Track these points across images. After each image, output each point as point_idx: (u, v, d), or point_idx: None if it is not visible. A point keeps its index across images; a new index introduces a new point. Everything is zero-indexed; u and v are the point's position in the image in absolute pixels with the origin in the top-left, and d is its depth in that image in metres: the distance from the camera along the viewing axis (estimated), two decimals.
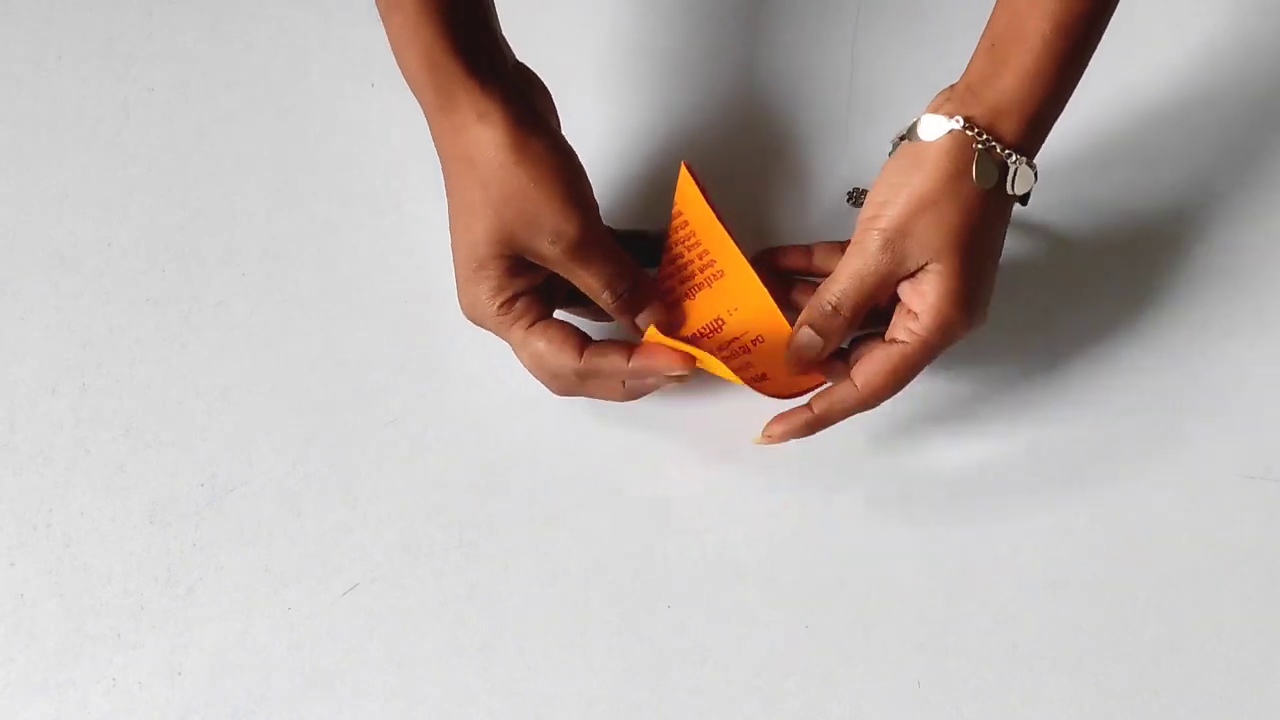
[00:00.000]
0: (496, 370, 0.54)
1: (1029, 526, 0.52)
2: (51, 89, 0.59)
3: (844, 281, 0.46)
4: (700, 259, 0.50)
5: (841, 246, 0.50)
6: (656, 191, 0.57)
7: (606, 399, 0.49)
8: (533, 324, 0.47)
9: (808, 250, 0.52)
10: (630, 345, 0.48)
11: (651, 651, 0.50)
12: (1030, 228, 0.57)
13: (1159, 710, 0.49)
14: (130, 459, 0.53)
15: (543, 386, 0.49)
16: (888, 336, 0.47)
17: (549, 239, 0.45)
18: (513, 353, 0.48)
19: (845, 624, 0.50)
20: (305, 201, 0.57)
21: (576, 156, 0.47)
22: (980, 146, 0.45)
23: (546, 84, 0.49)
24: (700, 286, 0.50)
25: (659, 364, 0.47)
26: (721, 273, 0.50)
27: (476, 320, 0.48)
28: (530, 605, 0.51)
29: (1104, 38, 0.46)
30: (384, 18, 0.45)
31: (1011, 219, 0.48)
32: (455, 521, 0.52)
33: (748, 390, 0.51)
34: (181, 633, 0.50)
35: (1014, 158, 0.45)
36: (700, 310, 0.50)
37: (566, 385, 0.48)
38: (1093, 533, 0.52)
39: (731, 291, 0.50)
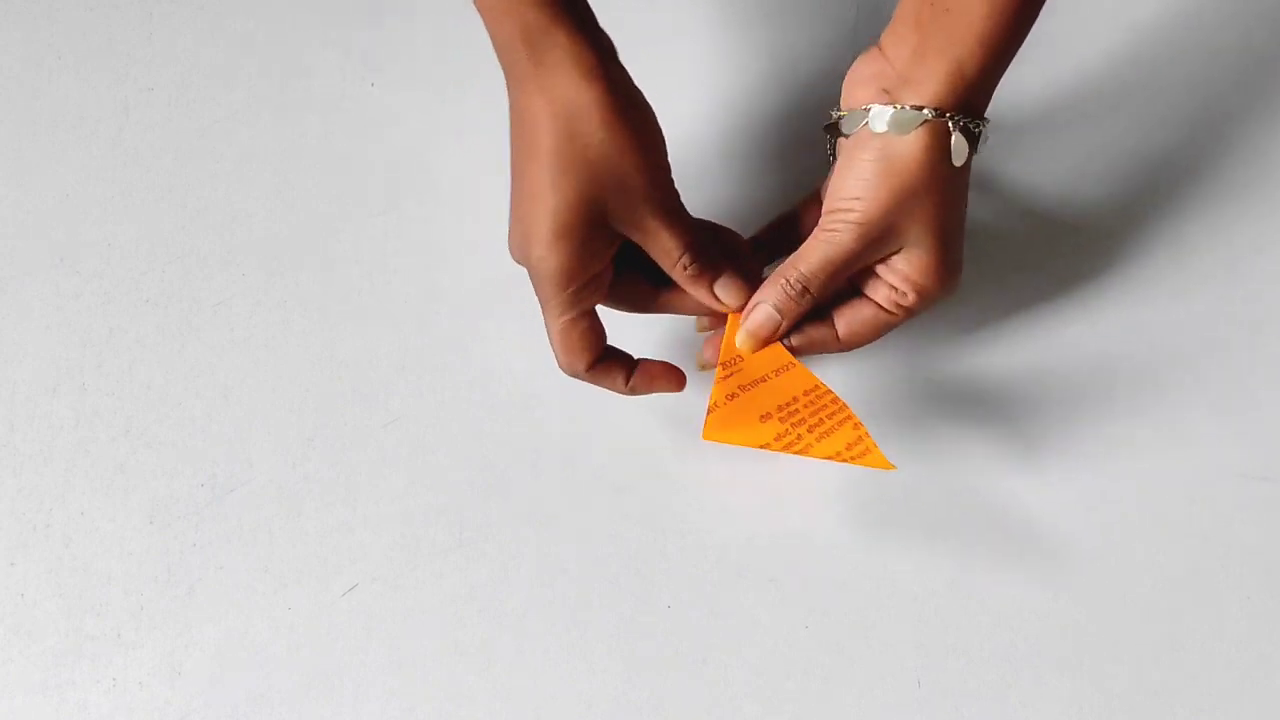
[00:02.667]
0: (496, 370, 0.54)
1: (1029, 527, 0.52)
2: (51, 89, 0.59)
3: (814, 264, 0.47)
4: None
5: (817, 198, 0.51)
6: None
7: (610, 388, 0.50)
8: (576, 318, 0.46)
9: (793, 214, 0.52)
10: (629, 364, 0.48)
11: (651, 651, 0.50)
12: (1044, 240, 0.57)
13: (1159, 710, 0.49)
14: (130, 459, 0.53)
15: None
16: (870, 295, 0.48)
17: (638, 201, 0.45)
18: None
19: (845, 624, 0.50)
20: (305, 201, 0.57)
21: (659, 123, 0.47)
22: (955, 132, 0.45)
23: None
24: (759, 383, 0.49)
25: (653, 385, 0.49)
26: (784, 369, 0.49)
27: (533, 276, 0.46)
28: (530, 605, 0.51)
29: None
30: None
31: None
32: (455, 521, 0.52)
33: None
34: (181, 633, 0.50)
35: (979, 127, 0.46)
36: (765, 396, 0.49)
37: (571, 373, 0.49)
38: (1093, 533, 0.52)
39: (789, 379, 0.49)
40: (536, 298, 0.47)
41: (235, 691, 0.49)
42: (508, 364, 0.54)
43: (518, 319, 0.53)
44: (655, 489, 0.52)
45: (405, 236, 0.56)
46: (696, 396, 0.52)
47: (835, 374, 0.54)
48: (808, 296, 0.47)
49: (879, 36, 0.48)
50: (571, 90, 0.43)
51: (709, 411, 0.47)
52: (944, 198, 0.46)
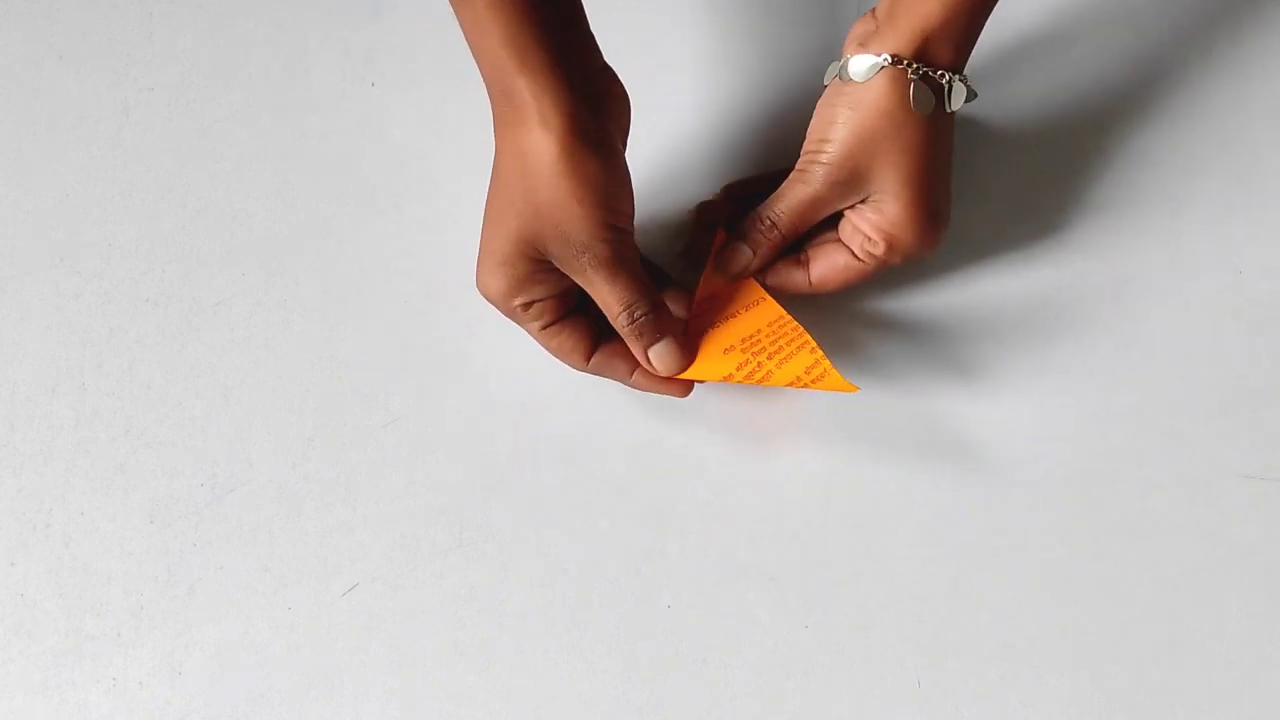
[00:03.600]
0: (497, 370, 0.54)
1: (1029, 526, 0.52)
2: (51, 89, 0.59)
3: (785, 202, 0.50)
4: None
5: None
6: (655, 191, 0.57)
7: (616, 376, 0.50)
8: (547, 326, 0.48)
9: (774, 175, 0.53)
10: (629, 363, 0.49)
11: (651, 651, 0.50)
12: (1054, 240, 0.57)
13: (1159, 710, 0.49)
14: (130, 459, 0.53)
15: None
16: (843, 240, 0.50)
17: (576, 251, 0.45)
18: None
19: (845, 624, 0.50)
20: (305, 201, 0.57)
21: (628, 177, 0.47)
22: (914, 78, 0.47)
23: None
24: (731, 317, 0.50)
25: (657, 387, 0.50)
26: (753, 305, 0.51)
27: (492, 303, 0.48)
28: (530, 605, 0.51)
29: None
30: (460, 5, 0.44)
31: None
32: (455, 521, 0.52)
33: (750, 391, 0.51)
34: (181, 633, 0.50)
35: (947, 77, 0.48)
36: (729, 331, 0.50)
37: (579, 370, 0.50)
38: (1093, 532, 0.52)
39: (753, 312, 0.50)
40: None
41: (235, 691, 0.49)
42: (508, 364, 0.54)
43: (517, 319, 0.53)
44: (655, 489, 0.52)
45: (405, 236, 0.56)
46: (697, 398, 0.53)
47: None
48: (775, 232, 0.50)
49: None
50: (529, 137, 0.44)
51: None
52: (913, 146, 0.48)
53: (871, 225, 0.49)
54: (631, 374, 0.49)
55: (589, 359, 0.49)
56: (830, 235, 0.51)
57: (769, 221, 0.50)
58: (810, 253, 0.52)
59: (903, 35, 0.47)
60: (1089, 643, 0.50)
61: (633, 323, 0.47)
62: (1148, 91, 0.59)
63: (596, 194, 0.45)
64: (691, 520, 0.52)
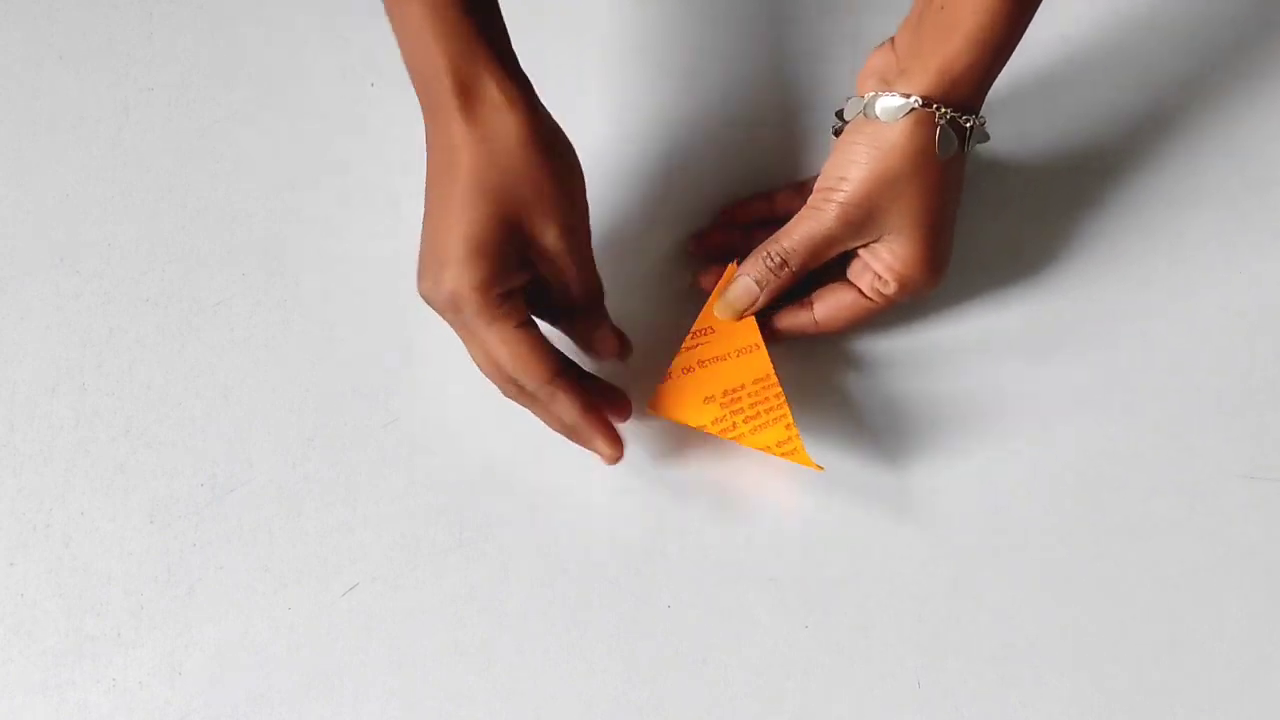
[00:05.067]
0: None
1: (1029, 526, 0.52)
2: (51, 89, 0.59)
3: (795, 240, 0.48)
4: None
5: (801, 190, 0.52)
6: (651, 191, 0.56)
7: (540, 419, 0.48)
8: (519, 325, 0.45)
9: (769, 197, 0.54)
10: (585, 394, 0.47)
11: (651, 651, 0.50)
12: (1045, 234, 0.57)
13: (1159, 710, 0.49)
14: (130, 459, 0.53)
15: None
16: (853, 279, 0.50)
17: (558, 230, 0.45)
18: (464, 343, 0.47)
19: (845, 624, 0.50)
20: (305, 201, 0.57)
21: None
22: (942, 122, 0.46)
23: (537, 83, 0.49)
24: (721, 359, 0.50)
25: (594, 441, 0.48)
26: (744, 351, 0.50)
27: (448, 305, 0.45)
28: (530, 605, 0.51)
29: None
30: (394, 6, 0.44)
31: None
32: (455, 521, 0.52)
33: None
34: (181, 633, 0.50)
35: (970, 121, 0.47)
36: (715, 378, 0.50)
37: (516, 393, 0.47)
38: (1093, 533, 0.52)
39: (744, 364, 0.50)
40: (464, 334, 0.46)
41: (235, 691, 0.49)
42: None
43: None
44: (655, 489, 0.52)
45: (405, 236, 0.56)
46: None
47: (820, 365, 0.54)
48: (786, 270, 0.49)
49: (880, 37, 0.49)
50: (495, 120, 0.44)
51: (663, 380, 0.49)
52: (929, 188, 0.47)
53: (884, 265, 0.48)
54: (578, 414, 0.47)
55: (550, 377, 0.45)
56: (835, 274, 0.51)
57: (778, 259, 0.49)
58: (815, 293, 0.51)
59: (930, 76, 0.46)
60: (1089, 643, 0.50)
61: (590, 306, 0.48)
62: (1149, 96, 0.59)
63: (570, 173, 0.45)
64: (691, 520, 0.52)
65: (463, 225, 0.44)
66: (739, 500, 0.52)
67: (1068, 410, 0.53)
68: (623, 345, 0.50)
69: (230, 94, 0.59)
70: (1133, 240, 0.56)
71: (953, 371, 0.54)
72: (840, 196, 0.47)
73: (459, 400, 0.53)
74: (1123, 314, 0.55)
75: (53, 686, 0.49)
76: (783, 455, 0.48)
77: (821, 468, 0.48)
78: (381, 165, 0.57)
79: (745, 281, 0.50)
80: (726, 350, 0.50)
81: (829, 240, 0.48)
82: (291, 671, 0.50)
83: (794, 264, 0.49)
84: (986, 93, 0.48)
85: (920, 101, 0.46)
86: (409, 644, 0.50)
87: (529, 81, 0.46)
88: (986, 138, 0.49)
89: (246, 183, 0.57)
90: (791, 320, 0.51)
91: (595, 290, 0.48)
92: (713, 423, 0.48)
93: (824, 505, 0.52)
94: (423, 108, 0.46)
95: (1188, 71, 0.59)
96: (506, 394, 0.47)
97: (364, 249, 0.56)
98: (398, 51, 0.60)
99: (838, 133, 0.51)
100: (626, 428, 0.52)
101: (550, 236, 0.45)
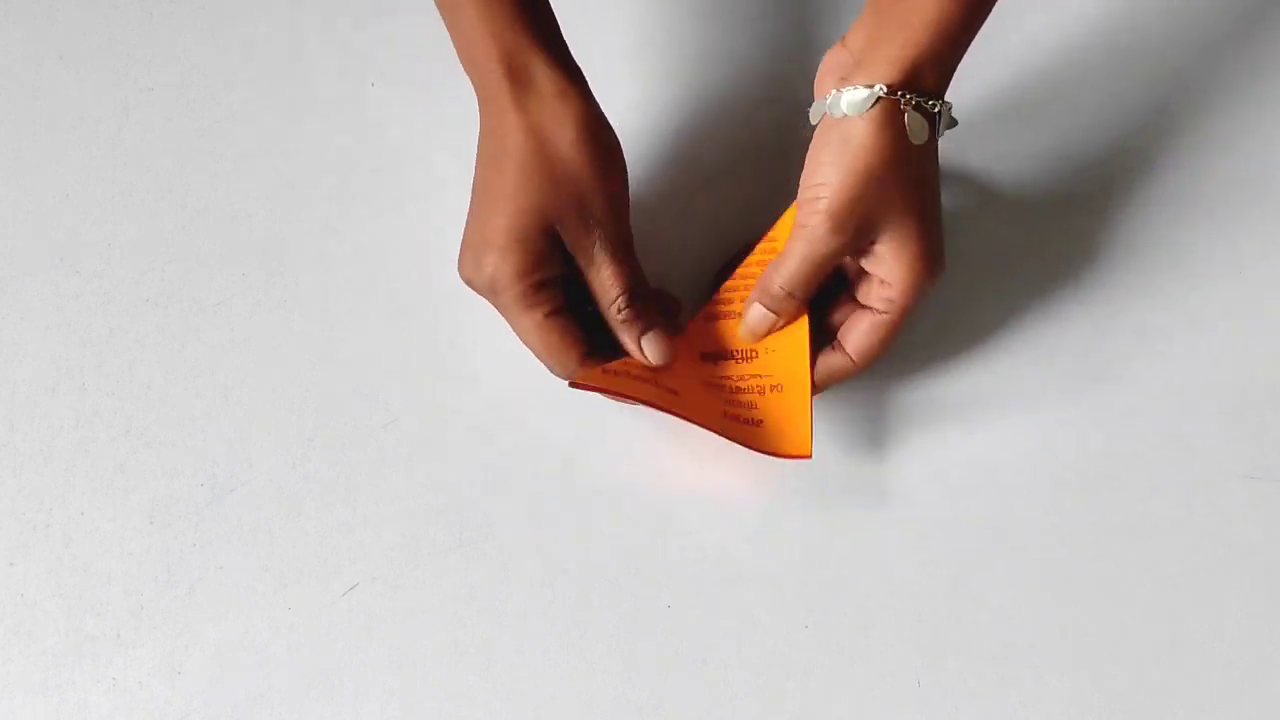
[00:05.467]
0: (497, 370, 0.54)
1: (1029, 526, 0.52)
2: (51, 89, 0.59)
3: (794, 264, 0.47)
4: None
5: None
6: (652, 192, 0.57)
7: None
8: (551, 313, 0.46)
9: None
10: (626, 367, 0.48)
11: (651, 651, 0.50)
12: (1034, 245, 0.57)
13: (1159, 710, 0.49)
14: (130, 459, 0.53)
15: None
16: (863, 301, 0.49)
17: (590, 226, 0.45)
18: (511, 329, 0.48)
19: (845, 624, 0.50)
20: (305, 201, 0.57)
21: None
22: (907, 107, 0.45)
23: None
24: None
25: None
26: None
27: (487, 289, 0.46)
28: (530, 605, 0.51)
29: None
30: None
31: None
32: (455, 521, 0.52)
33: None
34: (181, 633, 0.50)
35: (937, 105, 0.46)
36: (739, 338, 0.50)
37: (566, 374, 0.48)
38: (1093, 532, 0.52)
39: (780, 331, 0.50)
40: (503, 317, 0.47)
41: (235, 691, 0.49)
42: (508, 364, 0.54)
43: None
44: (655, 489, 0.52)
45: (405, 236, 0.56)
46: None
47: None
48: (794, 300, 0.48)
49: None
50: (547, 109, 0.44)
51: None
52: (910, 181, 0.46)
53: (887, 269, 0.47)
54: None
55: (585, 353, 0.47)
56: (846, 302, 0.50)
57: (783, 290, 0.48)
58: (840, 333, 0.50)
59: (890, 62, 0.45)
60: (1089, 643, 0.50)
61: (629, 307, 0.47)
62: (1149, 95, 0.59)
63: (615, 166, 0.46)
64: (691, 520, 0.52)
65: (506, 214, 0.45)
66: (739, 500, 0.52)
67: (1068, 410, 0.53)
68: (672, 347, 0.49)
69: (230, 94, 0.59)
70: (1132, 241, 0.56)
71: (952, 372, 0.54)
72: (823, 205, 0.45)
73: (459, 400, 0.53)
74: (1122, 314, 0.55)
75: (53, 686, 0.49)
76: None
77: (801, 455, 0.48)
78: (381, 165, 0.57)
79: (758, 309, 0.49)
80: (774, 371, 0.50)
81: (827, 255, 0.46)
82: (291, 671, 0.50)
83: (800, 293, 0.48)
84: (950, 78, 0.47)
85: (884, 90, 0.45)
86: (409, 644, 0.50)
87: (581, 73, 0.46)
88: (955, 122, 0.48)
89: (246, 183, 0.57)
90: (828, 369, 0.49)
91: (639, 290, 0.47)
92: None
93: (824, 505, 0.52)
94: (478, 96, 0.46)
95: (1185, 74, 0.59)
96: (565, 373, 0.48)
97: (364, 249, 0.56)
98: (398, 51, 0.61)
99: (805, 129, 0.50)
100: (626, 436, 0.52)
101: (588, 231, 0.45)
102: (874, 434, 0.53)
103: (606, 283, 0.47)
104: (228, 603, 0.51)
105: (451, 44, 0.48)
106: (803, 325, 0.49)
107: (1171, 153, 0.58)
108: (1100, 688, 0.50)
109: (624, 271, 0.47)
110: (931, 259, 0.47)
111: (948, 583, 0.51)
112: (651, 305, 0.48)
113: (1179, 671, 0.50)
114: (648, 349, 0.48)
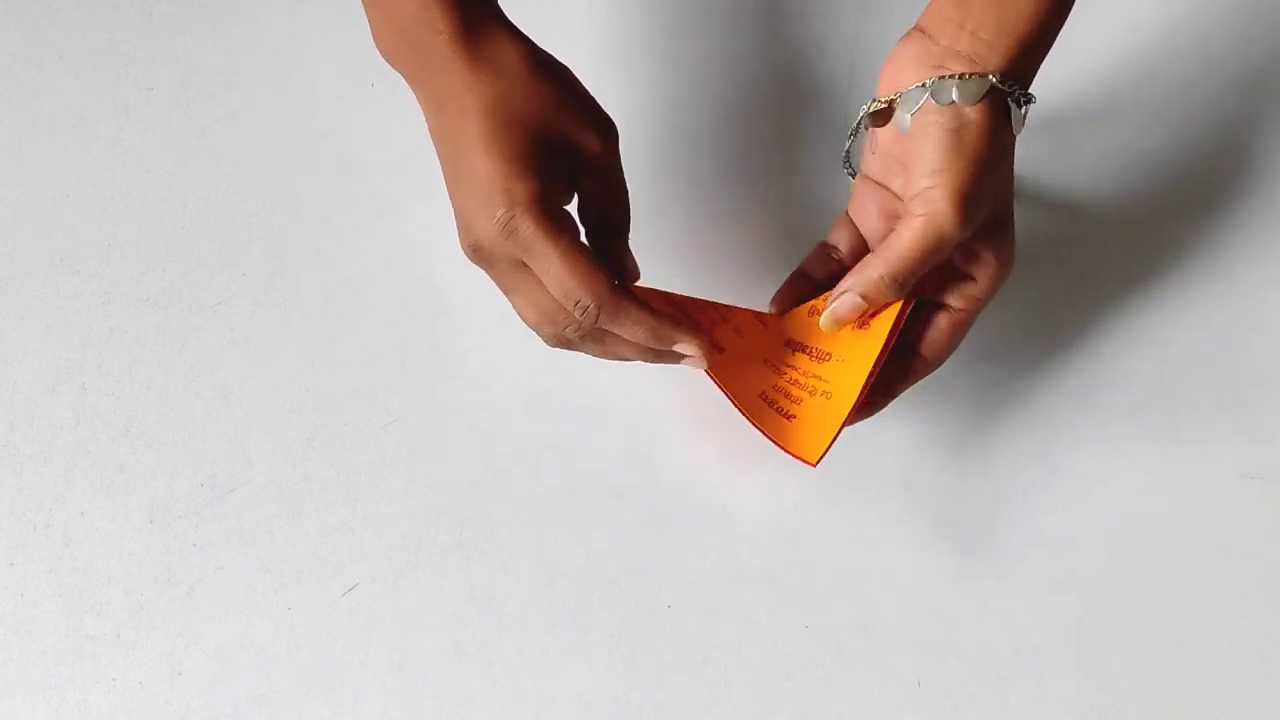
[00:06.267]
0: (497, 370, 0.54)
1: (1029, 526, 0.52)
2: (51, 89, 0.59)
3: (906, 251, 0.44)
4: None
5: (848, 218, 0.50)
6: (651, 191, 0.57)
7: (600, 355, 0.46)
8: (576, 238, 0.43)
9: (825, 252, 0.50)
10: (647, 297, 0.45)
11: (651, 651, 0.50)
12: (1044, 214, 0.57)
13: (1159, 710, 0.49)
14: (130, 459, 0.53)
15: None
16: (939, 299, 0.47)
17: (595, 134, 0.44)
18: (508, 292, 0.46)
19: (845, 624, 0.50)
20: (305, 201, 0.57)
21: None
22: (1015, 102, 0.45)
23: None
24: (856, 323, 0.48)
25: (680, 339, 0.45)
26: (867, 326, 0.48)
27: (503, 232, 0.43)
28: (530, 605, 0.51)
29: None
30: None
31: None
32: (455, 521, 0.52)
33: None
34: (181, 633, 0.50)
35: (1028, 99, 0.45)
36: (826, 335, 0.48)
37: (569, 330, 0.45)
38: (1093, 533, 0.52)
39: (860, 344, 0.48)
40: (517, 256, 0.44)
41: (235, 691, 0.49)
42: (508, 364, 0.54)
43: (518, 319, 0.53)
44: (655, 489, 0.52)
45: (405, 236, 0.56)
46: (698, 397, 0.52)
47: None
48: (900, 289, 0.45)
49: (880, 35, 0.47)
50: (501, 55, 0.43)
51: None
52: (1008, 173, 0.45)
53: (980, 263, 0.46)
54: (652, 314, 0.44)
55: (612, 280, 0.43)
56: (918, 308, 0.48)
57: (893, 279, 0.45)
58: (914, 337, 0.48)
59: (998, 54, 0.44)
60: (1089, 643, 0.50)
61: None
62: (1147, 94, 0.59)
63: (577, 81, 0.45)
64: (691, 520, 0.52)
65: (497, 153, 0.42)
66: (739, 500, 0.52)
67: (1068, 410, 0.53)
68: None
69: (230, 94, 0.59)
70: (1131, 241, 0.56)
71: (951, 372, 0.54)
72: (946, 190, 0.43)
73: (459, 400, 0.53)
74: (1122, 314, 0.55)
75: (53, 686, 0.49)
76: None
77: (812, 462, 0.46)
78: (381, 165, 0.57)
79: (852, 298, 0.46)
80: (833, 380, 0.48)
81: (950, 243, 0.44)
82: (291, 671, 0.50)
83: (909, 281, 0.45)
84: (1036, 72, 0.47)
85: (999, 79, 0.44)
86: (409, 644, 0.50)
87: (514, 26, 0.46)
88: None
89: (246, 183, 0.57)
90: (903, 374, 0.48)
91: (627, 208, 0.47)
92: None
93: (824, 505, 0.52)
94: (410, 74, 0.45)
95: (1183, 76, 0.59)
96: (555, 337, 0.45)
97: (364, 249, 0.56)
98: None
99: (850, 150, 0.49)
100: (626, 436, 0.52)
101: (591, 141, 0.44)
102: (872, 435, 0.53)
103: (614, 189, 0.46)
104: (228, 603, 0.51)
105: (370, 26, 0.46)
106: (879, 342, 0.47)
107: (1171, 150, 0.58)
108: (1100, 688, 0.50)
109: (623, 185, 0.47)
110: (1012, 258, 0.46)
111: (948, 583, 0.51)
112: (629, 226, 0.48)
113: (1179, 671, 0.50)
114: (630, 266, 0.48)
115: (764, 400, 0.49)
